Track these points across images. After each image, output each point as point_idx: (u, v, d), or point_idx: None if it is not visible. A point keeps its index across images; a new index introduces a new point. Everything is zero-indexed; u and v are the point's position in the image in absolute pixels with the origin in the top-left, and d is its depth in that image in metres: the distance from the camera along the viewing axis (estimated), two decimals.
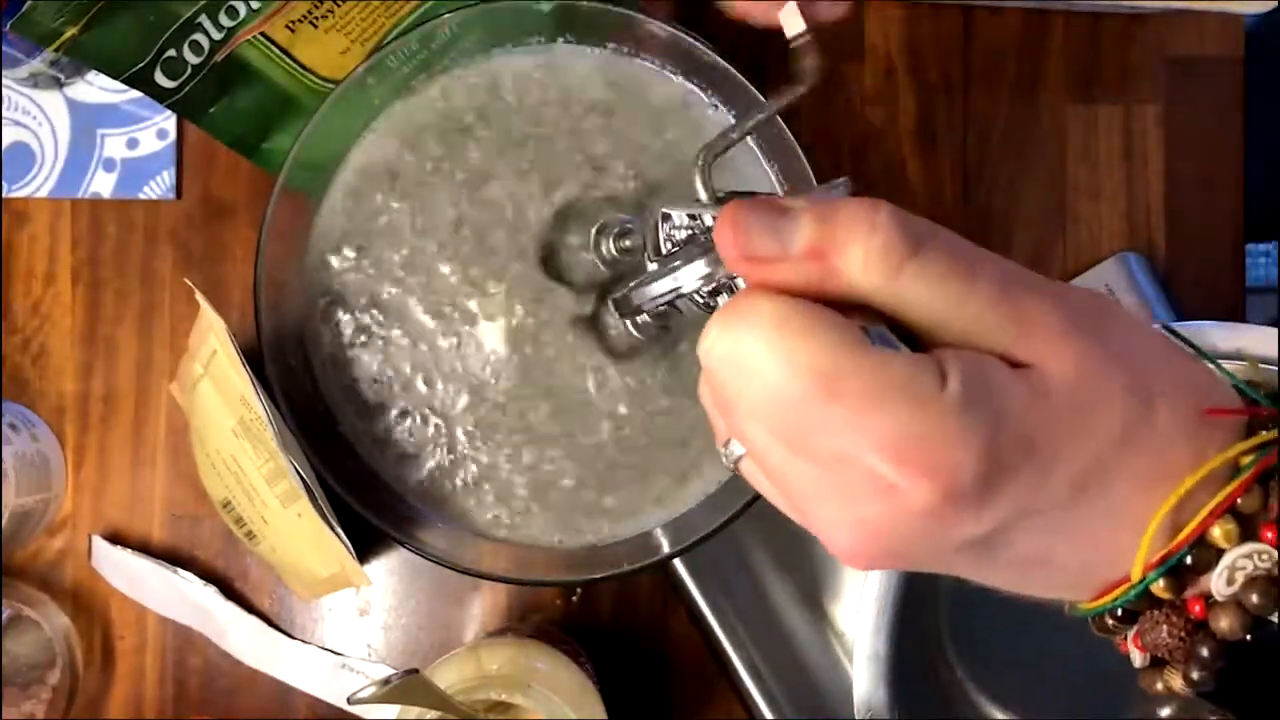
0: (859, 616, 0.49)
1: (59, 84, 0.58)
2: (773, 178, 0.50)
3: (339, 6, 0.52)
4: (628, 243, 0.45)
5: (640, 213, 0.49)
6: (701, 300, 0.32)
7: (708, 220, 0.32)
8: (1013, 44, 0.60)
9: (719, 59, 0.48)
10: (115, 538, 0.58)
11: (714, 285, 0.31)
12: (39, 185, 0.58)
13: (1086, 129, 0.60)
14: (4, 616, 0.55)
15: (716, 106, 0.51)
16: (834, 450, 0.25)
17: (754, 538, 0.55)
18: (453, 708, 0.45)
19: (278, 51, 0.53)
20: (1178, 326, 0.40)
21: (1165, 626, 0.28)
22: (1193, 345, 0.32)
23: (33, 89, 0.58)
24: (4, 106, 0.58)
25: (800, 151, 0.47)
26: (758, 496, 0.47)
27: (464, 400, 0.50)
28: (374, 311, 0.50)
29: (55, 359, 0.59)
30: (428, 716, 0.46)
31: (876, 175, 0.59)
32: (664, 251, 0.34)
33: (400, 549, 0.57)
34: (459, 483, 0.50)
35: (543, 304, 0.50)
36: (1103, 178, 0.60)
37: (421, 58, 0.49)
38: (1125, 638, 0.30)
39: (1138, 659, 0.30)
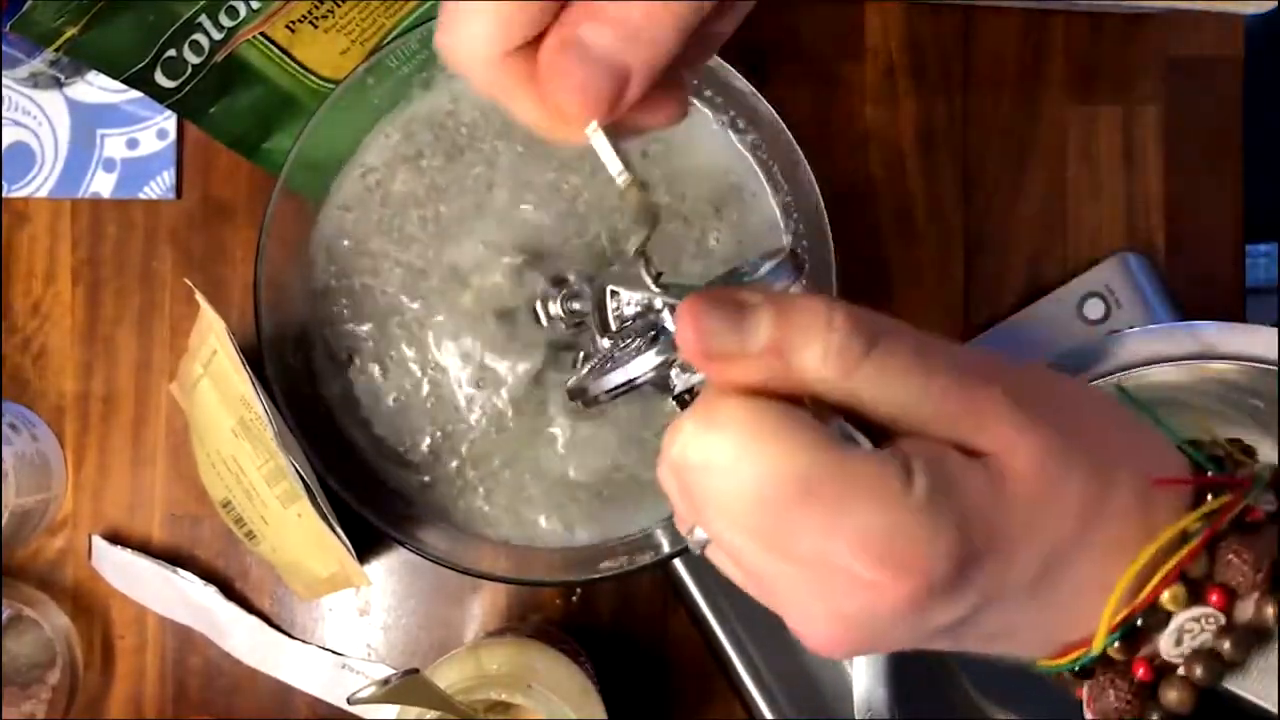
0: None
1: (59, 84, 0.58)
2: (769, 191, 0.51)
3: (339, 7, 0.52)
4: (575, 305, 0.47)
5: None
6: (656, 383, 0.31)
7: (656, 304, 0.31)
8: (1013, 44, 0.60)
9: (718, 60, 0.48)
10: (115, 538, 0.58)
11: (668, 372, 0.30)
12: (39, 185, 0.58)
13: (1086, 129, 0.60)
14: (4, 616, 0.55)
15: (719, 109, 0.51)
16: (811, 551, 0.26)
17: None
18: (453, 708, 0.45)
19: (278, 52, 0.53)
20: (1177, 326, 0.40)
21: (1112, 691, 0.30)
22: (1136, 401, 0.34)
23: (33, 89, 0.58)
24: (4, 106, 0.58)
25: (800, 152, 0.47)
26: None
27: (465, 393, 0.50)
28: (375, 310, 0.50)
29: (55, 359, 0.59)
30: (428, 716, 0.46)
31: (876, 175, 0.59)
32: (613, 329, 0.33)
33: (400, 549, 0.57)
34: (460, 481, 0.50)
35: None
36: (1103, 178, 0.60)
37: (421, 58, 0.49)
38: (1083, 689, 0.32)
39: (1089, 716, 0.31)
